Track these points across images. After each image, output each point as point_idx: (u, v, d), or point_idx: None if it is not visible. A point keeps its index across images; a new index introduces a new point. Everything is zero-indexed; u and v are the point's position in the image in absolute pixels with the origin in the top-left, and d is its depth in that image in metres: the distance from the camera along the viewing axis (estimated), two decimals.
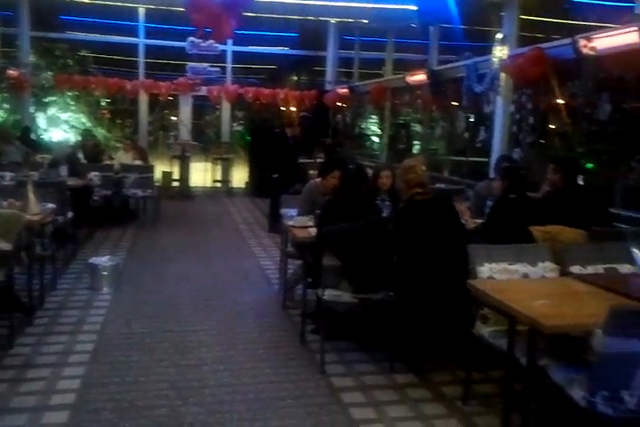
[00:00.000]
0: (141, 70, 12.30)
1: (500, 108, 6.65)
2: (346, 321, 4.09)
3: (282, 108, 13.03)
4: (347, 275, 3.75)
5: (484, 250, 3.23)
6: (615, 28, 4.86)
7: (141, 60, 12.27)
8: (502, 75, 6.40)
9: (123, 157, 9.07)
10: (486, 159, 6.89)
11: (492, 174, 5.59)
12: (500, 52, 6.34)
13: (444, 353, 3.71)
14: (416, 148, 9.72)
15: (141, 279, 5.55)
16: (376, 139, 11.69)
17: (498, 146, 6.67)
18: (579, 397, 2.33)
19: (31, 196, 4.85)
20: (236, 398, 3.25)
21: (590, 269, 3.18)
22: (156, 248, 6.96)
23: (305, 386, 3.40)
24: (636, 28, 4.58)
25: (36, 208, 4.78)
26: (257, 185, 10.92)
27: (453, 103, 8.45)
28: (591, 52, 5.14)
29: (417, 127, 9.79)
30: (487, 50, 6.97)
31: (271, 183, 7.51)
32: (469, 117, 8.00)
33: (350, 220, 3.78)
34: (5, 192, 4.86)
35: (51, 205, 5.13)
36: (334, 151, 9.08)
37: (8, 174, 6.36)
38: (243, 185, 12.05)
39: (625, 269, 3.18)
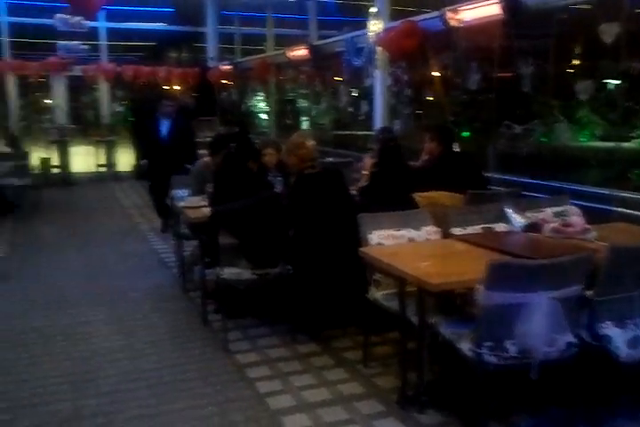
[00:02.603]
0: (6, 50, 11.34)
1: (379, 82, 6.84)
2: (247, 298, 4.12)
3: (164, 87, 12.58)
4: (244, 252, 3.77)
5: (371, 218, 3.36)
6: (479, 1, 5.13)
7: (5, 39, 11.30)
8: (379, 48, 6.57)
9: None
10: (370, 132, 7.10)
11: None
12: (374, 26, 6.50)
13: (343, 320, 3.85)
14: (303, 123, 9.80)
15: (28, 272, 5.25)
16: (264, 116, 11.63)
17: (379, 118, 6.88)
18: (466, 349, 2.52)
19: None
20: (139, 385, 3.20)
21: (470, 230, 3.41)
22: (39, 239, 6.58)
23: (210, 366, 3.41)
24: (497, 1, 4.87)
25: None
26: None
27: (337, 78, 8.58)
28: (458, 24, 5.41)
29: (303, 102, 9.85)
30: (365, 24, 7.13)
31: (146, 168, 6.75)
32: (352, 92, 8.16)
33: (243, 196, 3.78)
34: None
35: None
36: (243, 127, 8.77)
37: None
38: (129, 168, 11.56)
39: (500, 227, 3.44)
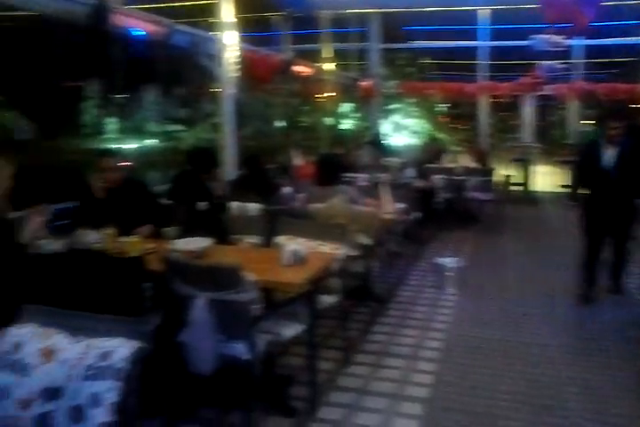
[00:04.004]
0: (481, 73, 12.24)
1: None
2: None
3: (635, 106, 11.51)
4: None
5: None
6: None
7: (482, 62, 12.22)
8: None
9: (464, 160, 9.12)
10: None
11: None
12: None
13: None
14: None
15: (484, 283, 5.44)
16: None
17: None
18: None
19: (386, 196, 5.20)
20: None
21: None
22: (497, 253, 6.76)
23: None
24: None
25: (391, 207, 5.10)
26: None
27: None
28: None
29: None
30: None
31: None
32: None
33: None
34: (362, 192, 5.26)
35: (402, 205, 5.43)
36: None
37: (363, 176, 6.93)
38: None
39: None
